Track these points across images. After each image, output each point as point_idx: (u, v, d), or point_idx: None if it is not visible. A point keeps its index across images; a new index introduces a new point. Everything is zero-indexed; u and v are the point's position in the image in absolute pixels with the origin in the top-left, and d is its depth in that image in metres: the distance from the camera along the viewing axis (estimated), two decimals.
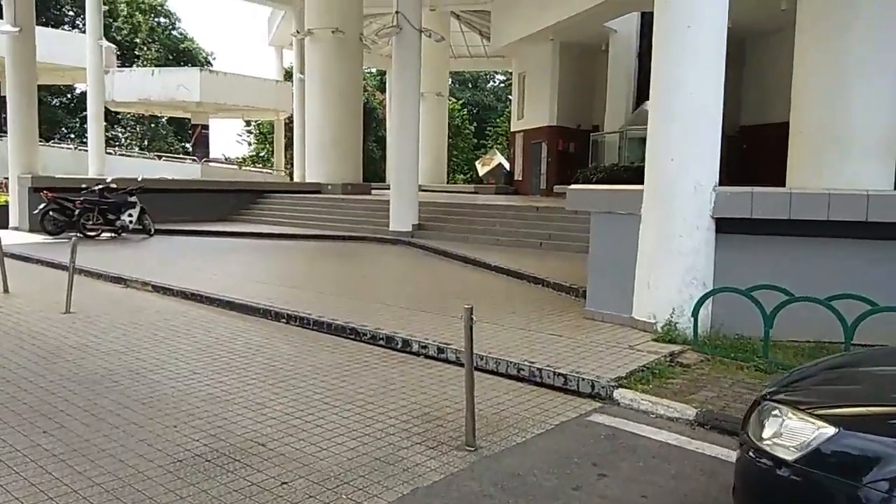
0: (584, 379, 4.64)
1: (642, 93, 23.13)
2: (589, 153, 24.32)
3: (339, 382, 4.81)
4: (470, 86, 59.99)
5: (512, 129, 30.55)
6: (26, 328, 6.25)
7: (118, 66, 31.97)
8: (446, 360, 5.37)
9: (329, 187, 20.53)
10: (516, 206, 14.04)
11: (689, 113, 5.82)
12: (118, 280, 8.87)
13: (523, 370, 4.91)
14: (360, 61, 21.50)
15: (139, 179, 14.74)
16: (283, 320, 6.68)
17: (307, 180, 21.08)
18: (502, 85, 64.40)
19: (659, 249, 5.91)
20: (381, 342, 5.84)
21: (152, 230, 14.69)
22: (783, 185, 12.16)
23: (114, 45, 30.23)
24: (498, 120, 51.40)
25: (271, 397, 4.45)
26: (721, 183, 5.92)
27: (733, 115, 23.94)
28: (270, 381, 4.81)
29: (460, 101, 50.11)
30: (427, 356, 5.50)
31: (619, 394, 4.52)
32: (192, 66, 38.65)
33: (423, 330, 5.97)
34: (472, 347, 3.83)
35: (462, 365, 5.18)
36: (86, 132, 47.45)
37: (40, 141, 30.82)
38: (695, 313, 5.61)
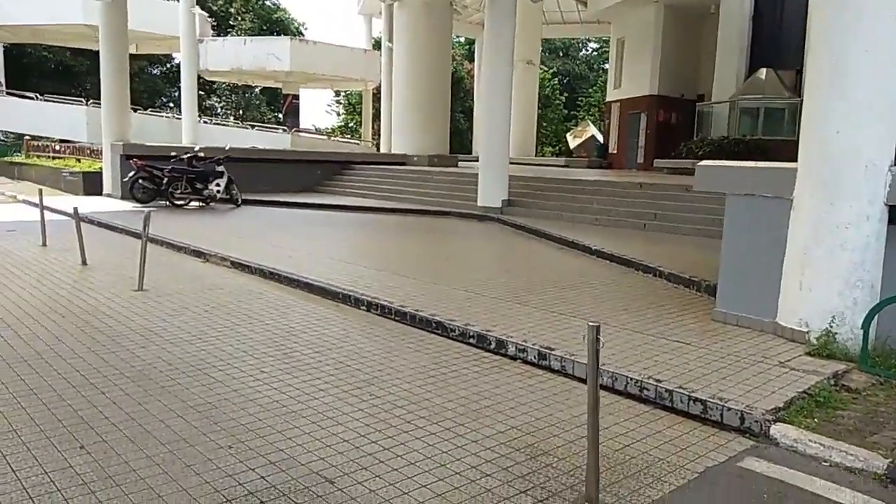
0: (729, 408, 3.68)
1: (756, 59, 21.08)
2: (694, 125, 22.49)
3: (424, 393, 4.06)
4: (561, 54, 57.73)
5: (607, 99, 28.85)
6: (94, 307, 5.85)
7: (212, 36, 32.35)
8: (549, 369, 4.52)
9: (415, 159, 19.88)
10: (616, 182, 12.87)
11: (865, 75, 4.63)
12: (198, 254, 8.49)
13: (647, 390, 4.00)
14: (449, 28, 20.57)
15: (226, 148, 14.51)
16: (363, 307, 6.00)
17: (393, 151, 20.50)
18: (595, 53, 61.70)
19: (816, 242, 4.80)
20: (472, 341, 5.05)
21: (239, 200, 14.49)
22: None
23: (205, 14, 30.46)
24: (590, 90, 49.28)
25: (345, 409, 3.75)
26: None
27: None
28: (345, 386, 4.12)
29: (550, 70, 48.21)
30: (525, 361, 4.67)
31: (777, 430, 3.53)
32: (284, 35, 38.76)
33: (520, 328, 5.14)
34: (598, 378, 2.96)
35: (570, 376, 4.35)
36: None
37: (139, 109, 31.79)
38: (866, 324, 4.48)
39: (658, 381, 4.01)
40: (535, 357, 4.62)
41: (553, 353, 4.53)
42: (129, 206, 13.69)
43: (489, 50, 12.91)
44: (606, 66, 59.50)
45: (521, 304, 5.92)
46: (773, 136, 19.59)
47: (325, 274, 7.05)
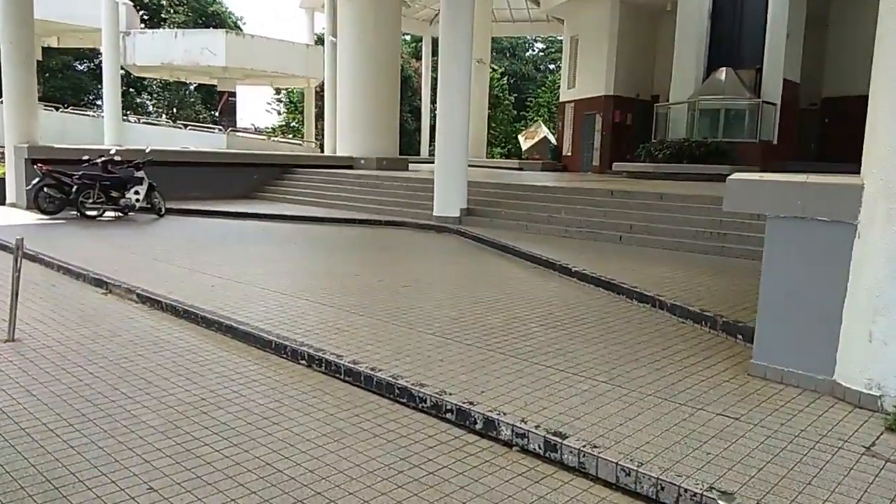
0: None
1: (714, 59, 20.50)
2: (653, 126, 21.78)
3: None
4: (508, 54, 57.09)
5: (561, 100, 28.02)
6: None
7: (141, 29, 30.12)
8: (561, 464, 3.28)
9: (362, 161, 18.49)
10: (585, 189, 11.79)
11: None
12: (99, 283, 6.94)
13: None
14: (398, 21, 19.23)
15: (146, 150, 12.82)
16: (303, 362, 4.65)
17: (338, 153, 19.04)
18: (542, 54, 61.36)
19: (893, 281, 3.71)
20: (450, 416, 3.77)
21: (163, 210, 12.84)
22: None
23: (130, 2, 28.25)
24: (539, 91, 48.66)
25: None
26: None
27: (814, 85, 21.23)
28: None
29: (499, 70, 47.33)
30: (526, 450, 3.42)
31: None
32: (220, 29, 36.66)
33: (512, 395, 3.89)
34: None
35: (593, 478, 3.08)
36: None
37: (60, 107, 29.29)
38: None
39: (729, 496, 2.81)
40: (539, 446, 3.38)
41: (565, 442, 3.29)
42: (33, 217, 11.90)
43: (446, 46, 11.64)
44: (553, 66, 59.41)
45: (504, 355, 4.67)
46: (735, 139, 19.00)
47: (256, 312, 5.66)
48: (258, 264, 8.03)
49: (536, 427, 3.44)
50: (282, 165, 17.40)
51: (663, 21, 24.05)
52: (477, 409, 3.69)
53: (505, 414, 3.61)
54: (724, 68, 19.72)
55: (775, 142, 19.40)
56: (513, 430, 3.49)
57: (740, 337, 5.14)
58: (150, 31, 30.61)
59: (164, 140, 27.03)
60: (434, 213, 12.14)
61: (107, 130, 21.26)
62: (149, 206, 12.66)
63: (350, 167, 18.38)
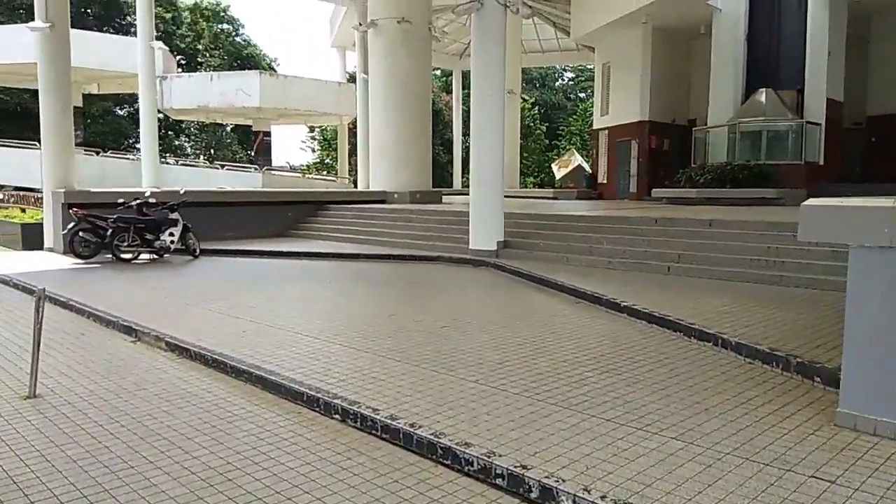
0: None
1: (752, 80, 19.97)
2: (692, 151, 21.24)
3: None
4: (537, 85, 57.14)
5: (594, 127, 27.67)
6: None
7: (178, 73, 30.82)
8: None
9: (395, 196, 18.30)
10: (627, 217, 11.33)
11: None
12: (128, 330, 6.72)
13: None
14: (428, 54, 19.21)
15: (181, 192, 12.80)
16: (337, 416, 4.29)
17: (371, 188, 18.91)
18: (571, 83, 61.28)
19: None
20: (500, 482, 3.35)
21: (197, 251, 12.75)
22: None
23: (166, 48, 28.92)
24: (570, 119, 48.47)
25: None
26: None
27: (857, 104, 20.51)
28: None
29: (529, 101, 47.28)
30: None
31: None
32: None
33: (570, 456, 3.46)
34: None
35: None
36: (160, 139, 47.32)
37: (100, 152, 30.01)
38: None
39: None
40: None
41: None
42: (68, 262, 11.88)
43: (479, 71, 11.41)
44: (583, 94, 59.21)
45: (556, 406, 4.25)
46: (779, 161, 18.35)
47: (288, 359, 5.33)
48: (291, 305, 7.74)
49: (602, 498, 3.00)
50: (315, 202, 17.30)
51: (697, 44, 23.65)
52: (531, 473, 3.26)
53: (564, 481, 3.17)
54: (763, 89, 19.17)
55: (821, 163, 18.68)
56: (574, 502, 3.05)
57: (818, 379, 4.62)
58: (185, 74, 31.33)
59: (202, 181, 27.44)
60: (470, 247, 11.80)
61: (144, 173, 21.56)
62: (183, 247, 12.58)
63: (383, 201, 18.21)
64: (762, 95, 19.12)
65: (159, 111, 32.56)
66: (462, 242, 12.16)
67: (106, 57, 27.19)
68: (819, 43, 18.24)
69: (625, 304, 7.06)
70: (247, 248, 13.24)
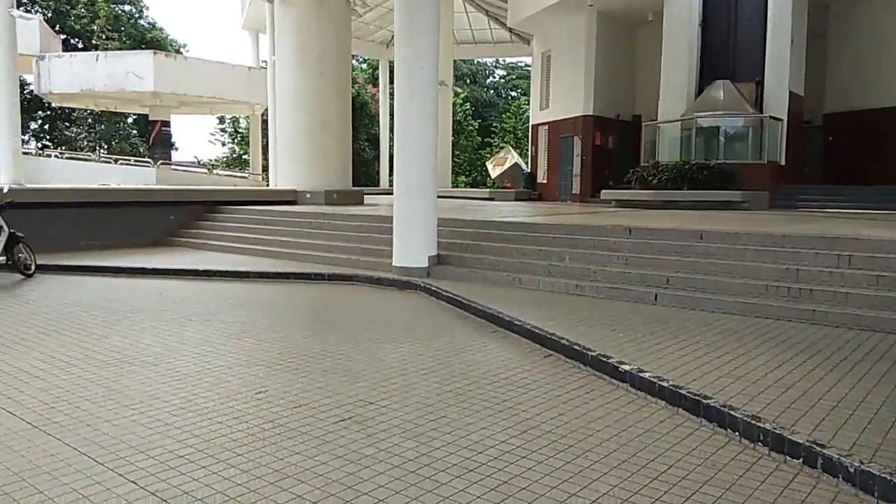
0: None
1: (707, 71, 18.18)
2: (640, 149, 19.31)
3: None
4: (468, 81, 55.01)
5: (533, 122, 25.51)
6: None
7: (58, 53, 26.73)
8: None
9: (308, 196, 15.48)
10: (595, 227, 8.95)
11: None
12: None
13: None
14: (347, 30, 16.45)
15: (4, 191, 9.58)
16: None
17: (280, 187, 15.98)
18: (503, 80, 59.53)
19: None
20: None
21: (32, 267, 9.62)
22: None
23: (39, 18, 24.91)
24: (503, 116, 46.52)
25: None
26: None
27: (815, 100, 19.08)
28: None
29: (461, 96, 45.01)
30: None
31: None
32: None
33: None
34: None
35: None
36: (46, 131, 42.19)
37: None
38: None
39: None
40: None
41: None
42: None
43: (405, 52, 8.79)
44: (515, 93, 57.47)
45: None
46: (739, 160, 16.56)
47: (110, 474, 2.58)
48: (126, 372, 4.90)
49: None
50: (207, 203, 14.24)
51: (643, 33, 21.82)
52: None
53: None
54: (720, 81, 17.37)
55: (782, 162, 17.03)
56: None
57: None
58: (67, 54, 27.19)
59: (89, 176, 23.65)
60: (394, 263, 9.18)
61: (1, 167, 17.79)
62: (9, 262, 9.41)
63: (293, 202, 15.36)
64: (719, 88, 17.31)
65: (37, 96, 28.40)
66: (387, 256, 9.56)
67: None
68: (781, 30, 16.56)
69: (625, 367, 4.59)
70: (102, 265, 10.14)
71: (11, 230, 9.34)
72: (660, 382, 4.27)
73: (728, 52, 18.01)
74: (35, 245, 9.73)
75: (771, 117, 16.56)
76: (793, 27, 16.50)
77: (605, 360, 4.78)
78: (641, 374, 4.42)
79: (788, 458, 3.35)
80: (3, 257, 9.31)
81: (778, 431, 3.43)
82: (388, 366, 5.07)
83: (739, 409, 3.79)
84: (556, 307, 6.97)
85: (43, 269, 9.82)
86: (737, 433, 3.65)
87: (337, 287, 8.85)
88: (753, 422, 3.57)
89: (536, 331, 5.70)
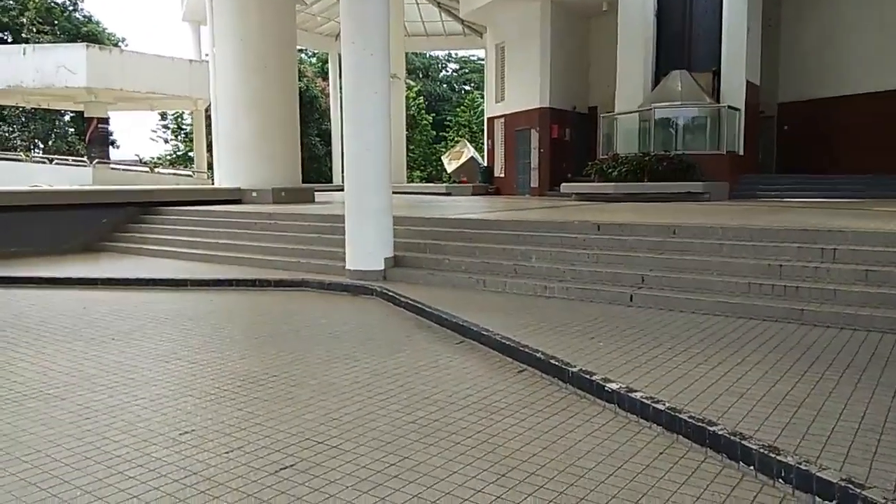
0: None
1: (663, 62, 17.91)
2: (597, 141, 18.95)
3: None
4: (420, 75, 54.28)
5: (488, 115, 24.99)
6: None
7: None
8: None
9: (254, 194, 14.60)
10: (557, 223, 8.42)
11: None
12: None
13: None
14: (291, 20, 15.61)
15: None
16: None
17: (222, 185, 15.02)
18: (456, 74, 58.96)
19: None
20: None
21: None
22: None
23: None
24: (457, 110, 45.99)
25: None
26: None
27: (769, 91, 19.05)
28: None
29: (414, 89, 44.26)
30: None
31: None
32: None
33: None
34: None
35: None
36: None
37: None
38: None
39: None
40: None
41: None
42: None
43: (353, 33, 8.07)
44: (468, 87, 56.93)
45: None
46: (698, 150, 16.31)
47: None
48: (5, 407, 4.09)
49: None
50: (142, 204, 13.22)
51: (597, 24, 21.52)
52: None
53: None
54: (676, 72, 17.11)
55: (741, 153, 16.88)
56: None
57: None
58: None
59: (21, 177, 22.12)
60: (347, 267, 8.47)
61: None
62: None
63: (238, 201, 14.45)
64: (676, 78, 17.04)
65: None
66: (339, 258, 8.85)
67: None
68: (737, 18, 16.38)
69: (612, 386, 4.02)
70: (17, 275, 9.13)
71: None
72: (654, 405, 3.70)
73: (684, 41, 17.77)
74: None
75: (729, 107, 16.36)
76: (748, 16, 16.33)
77: (587, 376, 4.20)
78: (631, 395, 3.85)
79: (818, 499, 2.81)
80: None
81: (804, 467, 2.89)
82: (340, 391, 4.39)
83: (751, 437, 3.25)
84: (526, 312, 6.39)
85: None
86: (751, 467, 3.11)
87: (284, 294, 8.10)
88: (772, 454, 3.03)
89: (507, 342, 5.09)
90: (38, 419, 3.88)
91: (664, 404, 3.69)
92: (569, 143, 21.08)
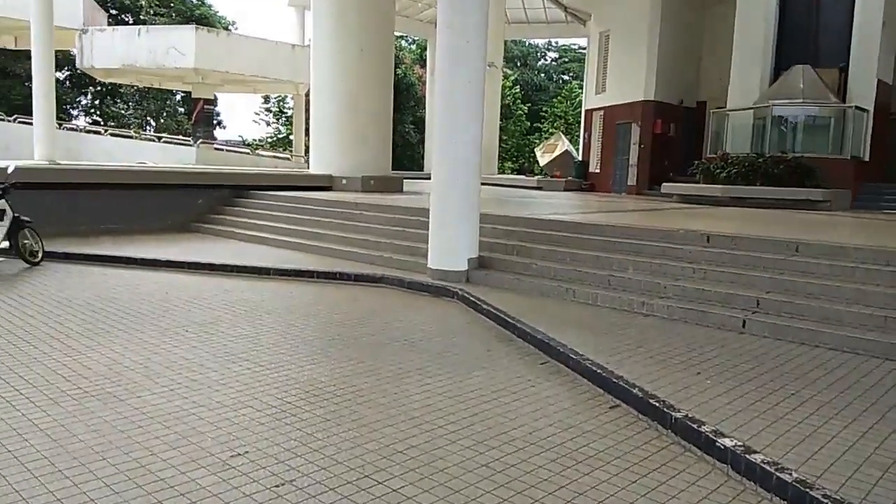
0: None
1: (784, 56, 16.45)
2: (705, 138, 17.73)
3: None
4: (518, 64, 53.29)
5: (587, 107, 24.01)
6: None
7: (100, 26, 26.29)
8: None
9: (344, 181, 14.50)
10: (664, 232, 7.67)
11: None
12: None
13: None
14: (390, 5, 15.31)
15: (10, 171, 8.80)
16: None
17: (313, 171, 15.02)
18: (555, 63, 57.51)
19: None
20: None
21: (39, 254, 8.83)
22: None
23: None
24: (554, 101, 44.82)
25: None
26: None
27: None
28: None
29: (510, 78, 43.46)
30: None
31: None
32: None
33: None
34: None
35: None
36: (96, 106, 42.35)
37: (15, 118, 25.56)
38: None
39: None
40: None
41: None
42: None
43: (449, 15, 7.62)
44: (566, 77, 55.39)
45: None
46: (818, 153, 14.87)
47: None
48: (63, 406, 3.94)
49: None
50: (236, 187, 13.37)
51: (711, 14, 20.12)
52: None
53: None
54: (798, 66, 15.66)
55: (866, 158, 15.28)
56: None
57: None
58: (109, 28, 26.76)
59: (126, 154, 23.21)
60: (429, 265, 8.08)
61: (36, 143, 17.33)
62: (13, 249, 8.65)
63: (329, 188, 14.39)
64: (798, 74, 15.59)
65: (80, 71, 28.15)
66: (421, 255, 8.48)
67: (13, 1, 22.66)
68: (872, 10, 14.76)
69: (726, 442, 3.38)
70: (113, 254, 9.31)
71: (16, 214, 8.57)
72: (778, 473, 3.06)
73: (808, 34, 16.25)
74: (52, 229, 9.00)
75: (856, 108, 14.81)
76: (885, 7, 14.68)
77: (695, 426, 3.58)
78: (749, 457, 3.22)
79: None
80: (7, 243, 8.57)
81: None
82: (409, 414, 3.97)
83: None
84: (620, 331, 5.77)
85: (51, 256, 9.05)
86: None
87: (363, 290, 7.81)
88: None
89: (598, 370, 4.52)
90: (91, 424, 3.68)
91: (791, 474, 3.05)
92: (673, 139, 19.88)
